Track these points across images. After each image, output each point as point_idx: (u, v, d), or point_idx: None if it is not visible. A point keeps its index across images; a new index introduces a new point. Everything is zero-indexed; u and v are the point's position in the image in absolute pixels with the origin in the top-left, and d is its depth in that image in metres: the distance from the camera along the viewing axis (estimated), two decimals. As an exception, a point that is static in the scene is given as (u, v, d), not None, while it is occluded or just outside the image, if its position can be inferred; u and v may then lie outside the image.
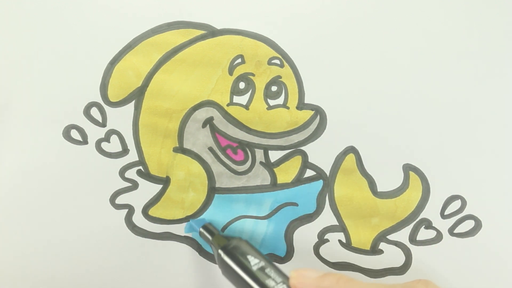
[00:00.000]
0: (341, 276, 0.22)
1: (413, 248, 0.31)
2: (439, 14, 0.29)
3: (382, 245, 0.31)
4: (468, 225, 0.31)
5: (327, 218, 0.31)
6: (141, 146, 0.31)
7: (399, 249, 0.31)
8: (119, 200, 0.31)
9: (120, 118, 0.30)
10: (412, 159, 0.30)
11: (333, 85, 0.30)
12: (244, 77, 0.30)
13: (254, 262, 0.25)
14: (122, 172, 0.31)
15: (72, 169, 0.31)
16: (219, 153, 0.31)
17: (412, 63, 0.29)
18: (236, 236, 0.31)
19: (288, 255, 0.32)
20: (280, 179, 0.31)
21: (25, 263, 0.32)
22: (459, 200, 0.30)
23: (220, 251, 0.26)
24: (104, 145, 0.31)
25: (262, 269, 0.24)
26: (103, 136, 0.30)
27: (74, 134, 0.30)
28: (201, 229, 0.30)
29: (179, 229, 0.32)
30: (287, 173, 0.31)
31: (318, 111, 0.30)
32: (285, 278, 0.24)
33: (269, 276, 0.24)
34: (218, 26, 0.29)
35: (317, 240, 0.32)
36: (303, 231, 0.32)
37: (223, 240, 0.28)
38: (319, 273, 0.22)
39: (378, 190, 0.31)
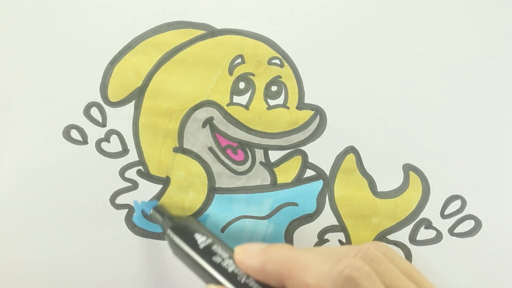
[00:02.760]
0: (283, 245, 0.22)
1: (413, 248, 0.31)
2: (439, 15, 0.29)
3: (382, 245, 0.31)
4: (468, 225, 0.31)
5: (327, 218, 0.31)
6: (141, 146, 0.31)
7: (399, 249, 0.31)
8: (119, 200, 0.31)
9: (120, 118, 0.30)
10: (412, 159, 0.30)
11: (333, 85, 0.30)
12: (244, 77, 0.30)
13: (201, 240, 0.25)
14: (122, 172, 0.31)
15: (72, 169, 0.31)
16: (219, 153, 0.31)
17: (412, 63, 0.29)
18: (236, 235, 0.31)
19: (288, 255, 0.32)
20: (280, 179, 0.31)
21: (24, 263, 0.32)
22: (459, 200, 0.30)
23: (169, 231, 0.27)
24: (104, 145, 0.31)
25: (209, 246, 0.25)
26: (103, 136, 0.30)
27: (74, 134, 0.30)
28: (152, 211, 0.30)
29: (179, 229, 0.32)
30: (287, 173, 0.31)
31: (318, 111, 0.30)
32: (231, 254, 0.24)
33: (215, 253, 0.24)
34: (218, 26, 0.29)
35: (317, 240, 0.32)
36: (303, 231, 0.32)
37: (173, 221, 0.28)
38: (262, 246, 0.22)
39: (378, 190, 0.31)
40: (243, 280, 0.22)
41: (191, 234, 0.26)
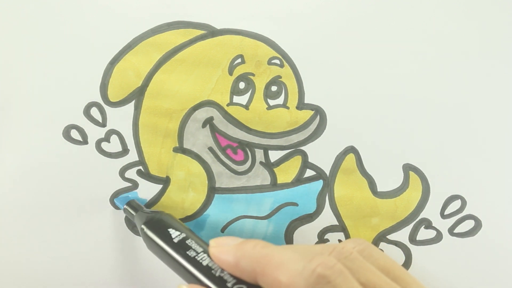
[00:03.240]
0: (258, 242, 0.22)
1: (413, 248, 0.31)
2: (439, 15, 0.29)
3: (382, 245, 0.31)
4: (468, 225, 0.31)
5: (327, 218, 0.31)
6: (141, 146, 0.31)
7: (399, 249, 0.31)
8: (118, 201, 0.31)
9: (120, 118, 0.30)
10: (412, 159, 0.30)
11: (333, 85, 0.30)
12: (244, 77, 0.30)
13: (175, 234, 0.25)
14: (122, 172, 0.31)
15: (72, 169, 0.31)
16: (219, 153, 0.31)
17: (412, 63, 0.29)
18: (236, 235, 0.31)
19: (288, 255, 0.32)
20: (280, 179, 0.31)
21: (25, 263, 0.32)
22: (459, 200, 0.30)
23: (142, 226, 0.27)
24: (104, 145, 0.31)
25: (183, 240, 0.25)
26: (103, 136, 0.30)
27: (74, 134, 0.30)
28: (125, 206, 0.30)
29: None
30: (287, 173, 0.31)
31: (318, 111, 0.30)
32: (206, 249, 0.24)
33: (190, 247, 0.24)
34: (218, 26, 0.29)
35: (317, 240, 0.32)
36: (303, 231, 0.32)
37: (146, 216, 0.28)
38: (237, 241, 0.22)
39: (378, 190, 0.31)
40: (217, 274, 0.22)
41: (165, 229, 0.26)
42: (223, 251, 0.22)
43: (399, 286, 0.20)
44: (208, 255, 0.23)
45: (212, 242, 0.23)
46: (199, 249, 0.24)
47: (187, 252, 0.24)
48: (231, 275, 0.22)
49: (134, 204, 0.30)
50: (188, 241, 0.25)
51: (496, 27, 0.29)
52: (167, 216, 0.28)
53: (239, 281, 0.22)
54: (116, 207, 0.31)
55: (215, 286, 0.22)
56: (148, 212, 0.28)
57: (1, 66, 0.30)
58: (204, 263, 0.23)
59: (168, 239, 0.25)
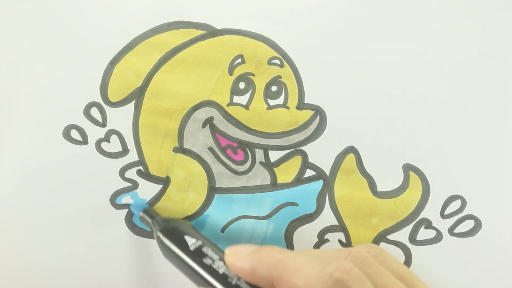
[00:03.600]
0: (273, 248, 0.22)
1: (413, 248, 0.31)
2: (439, 15, 0.29)
3: (382, 245, 0.31)
4: (468, 225, 0.31)
5: (327, 218, 0.31)
6: (141, 146, 0.31)
7: (399, 249, 0.31)
8: (119, 200, 0.31)
9: (120, 118, 0.30)
10: (412, 159, 0.30)
11: (333, 85, 0.30)
12: (244, 77, 0.30)
13: (192, 242, 0.25)
14: (122, 172, 0.31)
15: (72, 169, 0.31)
16: (219, 153, 0.31)
17: (412, 63, 0.29)
18: (236, 235, 0.31)
19: (288, 255, 0.32)
20: (280, 179, 0.31)
21: (24, 263, 0.32)
22: (459, 200, 0.30)
23: (158, 233, 0.27)
24: (104, 145, 0.31)
25: (199, 248, 0.25)
26: (103, 136, 0.30)
27: (74, 134, 0.30)
28: (142, 214, 0.30)
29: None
30: (287, 173, 0.31)
31: (318, 111, 0.30)
32: (222, 255, 0.24)
33: (206, 255, 0.24)
34: (218, 26, 0.29)
35: (317, 240, 0.32)
36: (303, 231, 0.32)
37: (163, 223, 0.28)
38: (252, 248, 0.22)
39: (378, 190, 0.31)
40: (234, 282, 0.22)
41: (181, 236, 0.26)
42: (239, 259, 0.22)
43: None
44: (224, 263, 0.23)
45: (228, 250, 0.23)
46: (215, 257, 0.24)
47: (203, 260, 0.24)
48: (248, 283, 0.22)
49: (150, 211, 0.30)
50: (204, 249, 0.25)
51: (496, 27, 0.29)
52: (183, 223, 0.28)
53: None
54: (118, 207, 0.31)
55: None
56: (164, 220, 0.28)
57: (1, 66, 0.30)
58: (221, 271, 0.23)
59: (184, 246, 0.25)
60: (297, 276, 0.19)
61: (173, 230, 0.27)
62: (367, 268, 0.20)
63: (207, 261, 0.24)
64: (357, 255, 0.20)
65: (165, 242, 0.26)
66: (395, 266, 0.22)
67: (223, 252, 0.24)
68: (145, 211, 0.30)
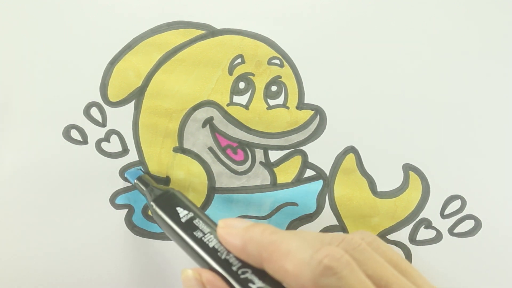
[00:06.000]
0: (267, 227, 0.21)
1: (413, 248, 0.31)
2: (439, 15, 0.29)
3: (382, 245, 0.31)
4: (468, 225, 0.31)
5: (327, 218, 0.31)
6: (141, 146, 0.31)
7: (399, 249, 0.31)
8: (119, 200, 0.31)
9: (120, 118, 0.30)
10: (412, 159, 0.30)
11: (333, 85, 0.30)
12: (244, 77, 0.30)
13: (184, 213, 0.25)
14: (122, 172, 0.31)
15: (72, 169, 0.31)
16: (219, 153, 0.31)
17: (412, 63, 0.29)
18: None
19: (288, 255, 0.32)
20: (280, 179, 0.31)
21: (25, 263, 0.32)
22: (459, 200, 0.30)
23: (152, 203, 0.26)
24: (104, 145, 0.31)
25: (190, 220, 0.24)
26: (103, 136, 0.30)
27: (74, 134, 0.30)
28: (136, 181, 0.29)
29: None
30: (287, 173, 0.31)
31: (318, 111, 0.30)
32: (214, 229, 0.24)
33: (197, 227, 0.24)
34: (218, 26, 0.29)
35: (317, 240, 0.32)
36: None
37: (157, 191, 0.27)
38: (246, 223, 0.22)
39: (378, 190, 0.31)
40: (223, 257, 0.22)
41: (174, 207, 0.25)
42: (231, 233, 0.22)
43: (406, 278, 0.20)
44: (215, 237, 0.23)
45: (221, 223, 0.23)
46: (206, 230, 0.24)
47: (194, 233, 0.23)
48: (237, 258, 0.22)
49: (145, 179, 0.29)
50: (196, 221, 0.24)
51: (496, 27, 0.29)
52: (177, 193, 0.27)
53: (244, 264, 0.21)
54: (118, 207, 0.31)
55: (220, 269, 0.22)
56: (158, 189, 0.28)
57: (1, 66, 0.30)
58: (211, 245, 0.23)
59: (176, 218, 0.25)
60: (287, 259, 0.19)
61: (166, 200, 0.26)
62: (358, 255, 0.20)
63: (198, 234, 0.23)
64: (350, 242, 0.20)
65: (158, 212, 0.26)
66: (389, 253, 0.21)
67: (215, 225, 0.24)
68: (139, 178, 0.29)
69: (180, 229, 0.24)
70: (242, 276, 0.21)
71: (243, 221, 0.22)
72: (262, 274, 0.21)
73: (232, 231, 0.22)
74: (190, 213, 0.25)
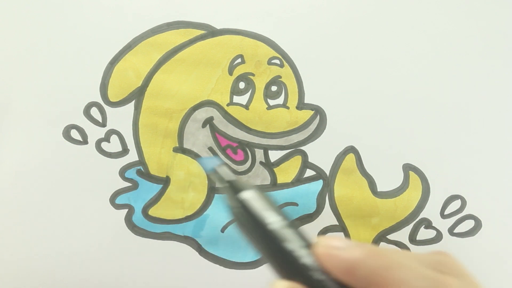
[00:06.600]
0: (373, 248, 0.20)
1: (413, 247, 0.31)
2: (439, 16, 0.29)
3: (382, 245, 0.31)
4: (468, 225, 0.31)
5: (327, 218, 0.31)
6: (141, 146, 0.31)
7: (399, 249, 0.31)
8: (119, 200, 0.31)
9: (120, 118, 0.30)
10: (412, 159, 0.30)
11: (333, 85, 0.30)
12: (244, 77, 0.30)
13: (272, 219, 0.21)
14: (122, 172, 0.31)
15: (72, 169, 0.31)
16: (219, 153, 0.31)
17: (412, 63, 0.29)
18: (236, 235, 0.31)
19: (288, 255, 0.32)
20: (280, 179, 0.31)
21: (25, 263, 0.32)
22: (459, 200, 0.30)
23: (233, 204, 0.22)
24: (104, 145, 0.31)
25: (281, 228, 0.20)
26: (103, 136, 0.30)
27: (74, 134, 0.30)
28: (217, 169, 0.23)
29: (179, 229, 0.32)
30: (287, 173, 0.31)
31: (318, 111, 0.30)
32: (307, 242, 0.20)
33: (286, 239, 0.20)
34: (218, 26, 0.29)
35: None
36: (303, 231, 0.31)
37: (238, 189, 0.22)
38: (347, 243, 0.20)
39: (378, 190, 0.31)
40: (316, 276, 0.19)
41: (259, 211, 0.21)
42: (335, 255, 0.20)
43: None
44: (307, 252, 0.19)
45: (321, 241, 0.21)
46: (297, 243, 0.20)
47: (283, 244, 0.20)
48: (333, 280, 0.19)
49: (224, 171, 0.23)
50: (285, 231, 0.20)
51: (496, 28, 0.29)
52: (262, 193, 0.22)
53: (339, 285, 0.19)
54: (118, 207, 0.31)
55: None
56: (239, 184, 0.22)
57: (1, 66, 0.30)
58: (302, 261, 0.19)
59: (261, 224, 0.20)
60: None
61: (251, 203, 0.21)
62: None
63: (290, 245, 0.20)
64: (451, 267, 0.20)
65: (239, 215, 0.21)
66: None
67: (306, 239, 0.20)
68: (219, 167, 0.23)
69: (268, 238, 0.20)
70: None
71: (344, 241, 0.21)
72: None
73: (335, 252, 0.20)
74: (280, 220, 0.21)
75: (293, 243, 0.20)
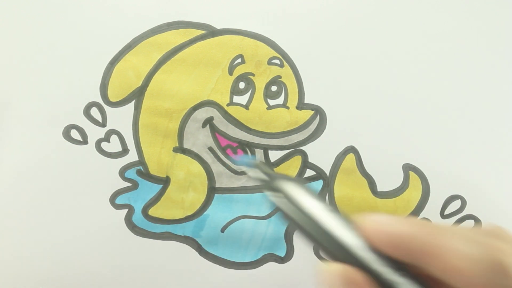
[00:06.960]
0: (422, 221, 0.19)
1: (413, 248, 0.31)
2: (439, 16, 0.29)
3: (382, 245, 0.31)
4: (468, 225, 0.31)
5: (327, 218, 0.31)
6: (141, 146, 0.31)
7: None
8: (119, 200, 0.31)
9: (120, 118, 0.30)
10: (412, 159, 0.30)
11: (333, 85, 0.30)
12: (244, 77, 0.30)
13: (318, 206, 0.21)
14: (122, 172, 0.31)
15: (72, 169, 0.31)
16: (219, 153, 0.31)
17: (412, 63, 0.29)
18: (236, 235, 0.31)
19: (288, 255, 0.32)
20: (280, 179, 0.31)
21: (25, 263, 0.32)
22: (459, 200, 0.30)
23: (281, 195, 0.22)
24: (104, 145, 0.31)
25: (327, 213, 0.21)
26: (103, 136, 0.30)
27: (74, 134, 0.30)
28: (253, 171, 0.25)
29: (179, 229, 0.32)
30: (287, 173, 0.31)
31: (318, 111, 0.30)
32: (353, 224, 0.21)
33: (335, 222, 0.21)
34: (218, 26, 0.29)
35: (317, 240, 0.32)
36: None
37: (281, 181, 0.22)
38: (395, 218, 0.20)
39: (378, 190, 0.31)
40: (364, 254, 0.19)
41: (304, 200, 0.21)
42: (385, 230, 0.20)
43: None
44: (355, 232, 0.20)
45: (368, 218, 0.21)
46: (346, 225, 0.20)
47: (332, 228, 0.20)
48: (383, 256, 0.20)
49: (262, 167, 0.25)
50: (332, 215, 0.21)
51: (496, 28, 0.29)
52: (304, 185, 0.24)
53: (390, 262, 0.20)
54: (118, 207, 0.31)
55: (368, 266, 0.20)
56: (277, 177, 0.23)
57: (2, 66, 0.30)
58: (352, 242, 0.20)
59: (308, 212, 0.21)
60: (455, 256, 0.18)
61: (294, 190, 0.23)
62: None
63: (336, 228, 0.20)
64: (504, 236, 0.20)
65: (291, 205, 0.21)
66: None
67: (352, 221, 0.21)
68: (259, 164, 0.24)
69: (317, 223, 0.21)
70: (391, 277, 0.20)
71: (390, 216, 0.20)
72: (406, 273, 0.19)
73: (385, 227, 0.20)
74: (324, 206, 0.21)
75: (340, 226, 0.20)
